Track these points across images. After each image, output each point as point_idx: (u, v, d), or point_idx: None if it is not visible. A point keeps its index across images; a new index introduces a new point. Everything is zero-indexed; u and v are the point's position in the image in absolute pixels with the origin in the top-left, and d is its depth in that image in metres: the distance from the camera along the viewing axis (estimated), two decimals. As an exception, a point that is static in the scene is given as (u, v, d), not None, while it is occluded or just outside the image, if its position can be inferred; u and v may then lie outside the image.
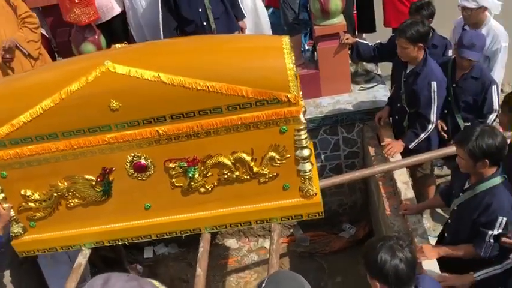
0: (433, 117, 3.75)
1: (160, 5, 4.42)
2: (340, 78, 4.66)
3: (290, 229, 5.07)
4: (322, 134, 4.67)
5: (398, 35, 3.67)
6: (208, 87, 2.77)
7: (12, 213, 3.13)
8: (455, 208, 2.96)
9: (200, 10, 4.33)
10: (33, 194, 3.09)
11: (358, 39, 4.49)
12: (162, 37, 4.44)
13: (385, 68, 4.93)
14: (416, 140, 3.83)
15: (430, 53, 3.86)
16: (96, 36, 4.58)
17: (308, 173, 3.06)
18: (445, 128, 3.97)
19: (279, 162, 3.01)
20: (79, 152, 2.99)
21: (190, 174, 3.01)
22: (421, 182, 4.23)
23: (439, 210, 4.39)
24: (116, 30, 4.89)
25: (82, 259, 3.30)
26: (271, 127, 2.91)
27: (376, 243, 2.08)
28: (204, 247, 3.17)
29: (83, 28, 4.53)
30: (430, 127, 3.78)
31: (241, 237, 5.17)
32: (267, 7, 5.14)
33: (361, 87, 4.77)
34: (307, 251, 4.91)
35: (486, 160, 2.62)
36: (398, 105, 3.99)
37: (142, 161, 3.00)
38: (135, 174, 3.05)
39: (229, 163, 3.00)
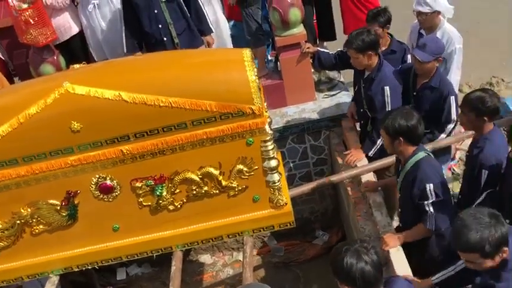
0: None
1: (122, 20, 4.38)
2: (304, 87, 4.71)
3: (264, 240, 5.06)
4: (290, 143, 4.70)
5: (347, 46, 3.80)
6: (171, 103, 2.75)
7: (-27, 244, 3.01)
8: (400, 194, 3.16)
9: (160, 26, 4.31)
10: (-5, 223, 2.98)
11: (319, 48, 4.55)
12: (126, 51, 4.40)
13: (347, 75, 5.01)
14: (374, 148, 3.89)
15: (388, 59, 3.95)
16: (55, 57, 4.50)
17: (277, 184, 3.06)
18: None
19: (247, 174, 3.00)
20: (41, 177, 2.91)
21: (157, 193, 2.97)
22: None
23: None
24: (75, 50, 4.81)
25: (51, 287, 3.20)
26: (238, 140, 2.90)
27: (341, 248, 2.10)
28: (176, 265, 3.13)
29: (41, 49, 4.44)
30: None
31: (215, 252, 5.13)
32: (228, 20, 5.16)
33: (325, 94, 4.83)
34: (282, 260, 4.91)
35: (400, 138, 2.88)
36: (361, 110, 4.06)
37: (108, 182, 2.94)
38: (101, 196, 2.98)
39: (197, 178, 2.97)
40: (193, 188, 2.99)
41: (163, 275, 4.84)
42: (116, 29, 4.55)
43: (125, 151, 2.85)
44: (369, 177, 3.80)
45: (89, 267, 3.26)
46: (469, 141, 3.58)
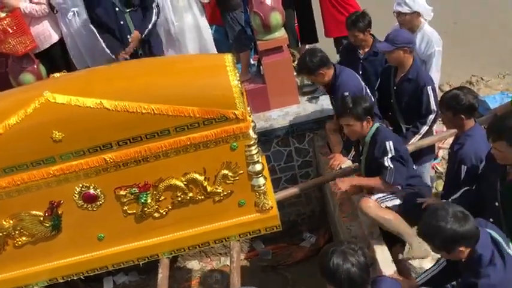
0: None
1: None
2: (288, 91, 4.72)
3: (251, 244, 5.05)
4: (275, 147, 4.71)
5: (300, 72, 4.00)
6: (153, 109, 2.74)
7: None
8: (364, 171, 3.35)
9: (128, 36, 4.29)
10: (-24, 237, 2.94)
11: None
12: (111, 54, 4.38)
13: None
14: (350, 155, 3.92)
15: (370, 60, 3.99)
16: (35, 66, 4.44)
17: (262, 187, 3.07)
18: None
19: (232, 179, 3.00)
20: (23, 188, 2.88)
21: (142, 200, 2.95)
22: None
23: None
24: (56, 58, 4.75)
25: (35, 299, 3.15)
26: (222, 145, 2.90)
27: (329, 250, 2.11)
28: (163, 273, 3.11)
29: (20, 58, 4.38)
30: None
31: (203, 258, 5.10)
32: (210, 25, 5.16)
33: (309, 97, 4.85)
34: (270, 264, 4.91)
35: (369, 117, 3.15)
36: None
37: (91, 191, 2.91)
38: (85, 205, 2.96)
39: (181, 185, 2.96)
40: (178, 194, 2.98)
41: (151, 282, 4.80)
42: (97, 36, 4.51)
43: (108, 159, 2.83)
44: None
45: (75, 278, 3.21)
46: (452, 140, 3.63)
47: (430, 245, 2.34)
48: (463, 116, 2.98)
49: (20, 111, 2.71)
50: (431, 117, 3.79)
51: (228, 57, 2.88)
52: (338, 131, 4.35)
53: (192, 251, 4.39)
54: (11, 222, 2.95)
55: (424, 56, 4.10)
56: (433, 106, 3.75)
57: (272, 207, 3.14)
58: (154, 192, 2.95)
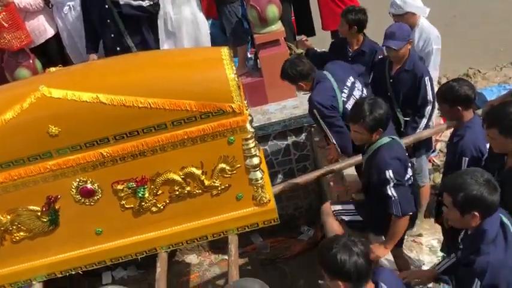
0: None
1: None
2: (285, 84, 4.68)
3: (250, 238, 5.06)
4: (272, 140, 4.70)
5: (281, 78, 3.87)
6: (150, 104, 2.73)
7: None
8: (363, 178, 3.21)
9: (112, 36, 4.26)
10: (-26, 232, 2.93)
11: (312, 47, 4.55)
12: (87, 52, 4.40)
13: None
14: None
15: (358, 59, 4.04)
16: (31, 61, 4.42)
17: (260, 181, 3.06)
18: None
19: (229, 173, 3.00)
20: (20, 183, 2.87)
21: (140, 195, 2.95)
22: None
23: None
24: (52, 53, 4.73)
25: (34, 294, 3.15)
26: (219, 139, 2.90)
27: (330, 245, 2.10)
28: (161, 267, 3.11)
29: (16, 53, 4.36)
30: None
31: (202, 252, 5.11)
32: (207, 18, 5.13)
33: (303, 93, 4.83)
34: (269, 257, 4.91)
35: (380, 129, 2.91)
36: None
37: (89, 186, 2.91)
38: (83, 200, 2.95)
39: (179, 179, 2.96)
40: (176, 188, 2.98)
41: (149, 277, 4.80)
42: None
43: (105, 154, 2.82)
44: (352, 171, 3.83)
45: (73, 273, 3.21)
46: (449, 133, 3.63)
47: (449, 199, 2.25)
48: (459, 108, 2.98)
49: (16, 106, 2.70)
50: (429, 108, 3.79)
51: (225, 51, 2.87)
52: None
53: (190, 245, 4.40)
54: (9, 217, 2.94)
55: (422, 53, 4.10)
56: (430, 97, 3.75)
57: (270, 201, 3.14)
58: (152, 186, 2.95)
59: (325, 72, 3.82)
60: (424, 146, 4.02)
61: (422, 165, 4.15)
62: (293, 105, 4.69)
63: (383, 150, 2.96)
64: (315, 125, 4.59)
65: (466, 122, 3.09)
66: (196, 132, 2.83)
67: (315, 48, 4.60)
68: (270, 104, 4.74)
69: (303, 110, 4.60)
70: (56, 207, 2.95)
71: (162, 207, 3.03)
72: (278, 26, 4.51)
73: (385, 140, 2.98)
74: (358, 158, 3.83)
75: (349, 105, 3.70)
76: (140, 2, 4.12)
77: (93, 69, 3.10)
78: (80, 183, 2.90)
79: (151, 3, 4.18)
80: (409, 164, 3.11)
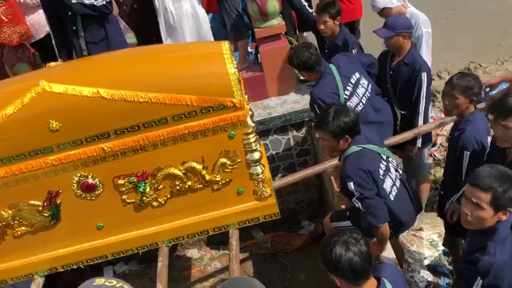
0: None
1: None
2: (285, 78, 4.71)
3: (251, 232, 5.07)
4: (273, 135, 4.70)
5: (288, 63, 3.90)
6: (150, 98, 2.72)
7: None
8: None
9: (80, 42, 4.16)
10: (-25, 227, 2.94)
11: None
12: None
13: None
14: None
15: (334, 52, 4.05)
16: (31, 55, 4.41)
17: (261, 176, 3.06)
18: None
19: (230, 167, 3.00)
20: (21, 178, 2.86)
21: (141, 189, 2.95)
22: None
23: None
24: (52, 48, 4.71)
25: (36, 288, 3.16)
26: (220, 133, 2.89)
27: (331, 239, 2.12)
28: (162, 262, 3.11)
29: (16, 48, 4.35)
30: None
31: (202, 246, 5.13)
32: (207, 12, 5.12)
33: (307, 85, 4.83)
34: (270, 252, 4.93)
35: (347, 136, 2.87)
36: None
37: (90, 181, 2.91)
38: (84, 195, 2.95)
39: (180, 174, 2.96)
40: (177, 183, 2.98)
41: (151, 271, 4.82)
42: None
43: (105, 148, 2.82)
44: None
45: (74, 267, 3.22)
46: (449, 127, 3.63)
47: (488, 197, 2.15)
48: (470, 100, 3.02)
49: (17, 101, 2.68)
50: (422, 105, 3.79)
51: (225, 45, 2.85)
52: None
53: (191, 239, 4.41)
54: (10, 212, 2.94)
55: (413, 38, 4.09)
56: (424, 93, 3.74)
57: (271, 196, 3.14)
58: (153, 181, 2.95)
59: (331, 65, 3.79)
60: (425, 140, 4.02)
61: (423, 160, 4.15)
62: (294, 99, 4.68)
63: (348, 161, 2.90)
64: (315, 119, 4.60)
65: (467, 116, 3.09)
66: (197, 126, 2.83)
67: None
68: (270, 98, 4.74)
69: (304, 104, 4.60)
70: (57, 202, 2.95)
71: (163, 201, 3.03)
72: (279, 20, 4.50)
73: (353, 149, 2.89)
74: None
75: (350, 103, 3.70)
76: (92, 1, 3.99)
77: (93, 64, 3.09)
78: (81, 178, 2.90)
79: (104, 3, 4.02)
80: (392, 173, 3.00)
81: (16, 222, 2.98)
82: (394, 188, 3.01)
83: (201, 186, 3.02)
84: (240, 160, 2.98)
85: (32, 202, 2.94)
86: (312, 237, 4.88)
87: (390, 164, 3.07)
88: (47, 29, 4.65)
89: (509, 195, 2.15)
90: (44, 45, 4.69)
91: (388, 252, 3.05)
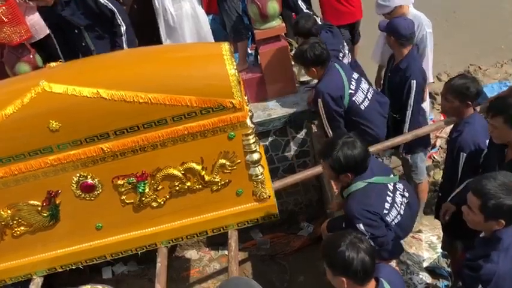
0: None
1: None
2: (285, 80, 4.71)
3: (249, 233, 5.07)
4: (272, 136, 4.70)
5: (295, 60, 3.94)
6: (150, 99, 2.73)
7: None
8: None
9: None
10: (-26, 226, 2.94)
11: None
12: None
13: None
14: None
15: None
16: (31, 56, 4.39)
17: (260, 177, 3.07)
18: None
19: (230, 168, 3.00)
20: (21, 178, 2.87)
21: (140, 190, 2.96)
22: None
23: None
24: (52, 48, 4.72)
25: (34, 289, 3.16)
26: (219, 134, 2.90)
27: (338, 242, 2.09)
28: (161, 262, 3.11)
29: (16, 48, 4.34)
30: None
31: (201, 247, 5.12)
32: (207, 14, 5.13)
33: (306, 87, 4.84)
34: (269, 253, 4.92)
35: (348, 174, 2.61)
36: None
37: (89, 181, 2.91)
38: (83, 195, 2.96)
39: (179, 174, 2.96)
40: (176, 183, 2.99)
41: (150, 272, 4.81)
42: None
43: (105, 149, 2.83)
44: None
45: (73, 267, 3.22)
46: (449, 129, 3.64)
47: (478, 202, 2.15)
48: (469, 103, 3.03)
49: (17, 101, 2.70)
50: (409, 112, 3.80)
51: (225, 46, 2.86)
52: None
53: (190, 240, 4.41)
54: (9, 212, 2.95)
55: (416, 39, 4.08)
56: (411, 101, 3.75)
57: (270, 197, 3.15)
58: (152, 181, 2.95)
59: (334, 63, 3.82)
60: (421, 143, 4.01)
61: (417, 163, 4.15)
62: (293, 100, 4.69)
63: (354, 200, 2.67)
64: (315, 121, 4.60)
65: (466, 118, 3.10)
66: (196, 127, 2.84)
67: None
68: (270, 99, 4.74)
69: (303, 106, 4.60)
70: (57, 202, 2.96)
71: (162, 202, 3.03)
72: (279, 22, 4.51)
73: (358, 185, 2.65)
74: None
75: (356, 98, 3.72)
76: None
77: (93, 64, 3.10)
78: (81, 178, 2.91)
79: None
80: (397, 202, 2.83)
81: (15, 222, 2.99)
82: (398, 216, 2.86)
83: (200, 187, 3.02)
84: (239, 161, 2.99)
85: (31, 202, 2.94)
86: (311, 239, 4.88)
87: (398, 192, 2.86)
88: (46, 29, 4.67)
89: (499, 206, 2.13)
90: (44, 46, 4.70)
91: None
